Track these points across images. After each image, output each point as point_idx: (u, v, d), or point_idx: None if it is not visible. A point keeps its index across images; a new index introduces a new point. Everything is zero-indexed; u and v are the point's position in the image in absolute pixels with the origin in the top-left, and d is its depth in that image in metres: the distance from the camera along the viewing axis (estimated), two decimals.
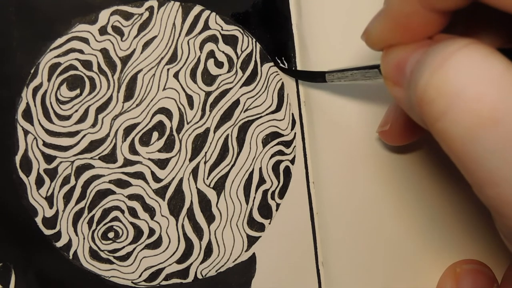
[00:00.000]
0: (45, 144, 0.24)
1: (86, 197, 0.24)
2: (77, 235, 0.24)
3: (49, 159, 0.24)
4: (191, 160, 0.24)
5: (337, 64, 0.26)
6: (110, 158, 0.24)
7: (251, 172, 0.25)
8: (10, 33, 0.24)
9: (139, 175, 0.24)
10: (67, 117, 0.24)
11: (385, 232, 0.25)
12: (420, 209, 0.25)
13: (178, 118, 0.25)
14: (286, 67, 0.25)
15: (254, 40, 0.25)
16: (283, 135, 0.25)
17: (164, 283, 0.24)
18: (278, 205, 0.25)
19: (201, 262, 0.24)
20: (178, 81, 0.25)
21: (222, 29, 0.25)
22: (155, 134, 0.24)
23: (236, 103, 0.25)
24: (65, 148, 0.24)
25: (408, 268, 0.25)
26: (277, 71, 0.25)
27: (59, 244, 0.24)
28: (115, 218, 0.24)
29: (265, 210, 0.25)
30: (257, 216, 0.25)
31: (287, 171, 0.25)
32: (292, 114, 0.25)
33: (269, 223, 0.25)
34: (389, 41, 0.18)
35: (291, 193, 0.25)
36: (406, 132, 0.23)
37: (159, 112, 0.24)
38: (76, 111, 0.24)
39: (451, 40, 0.15)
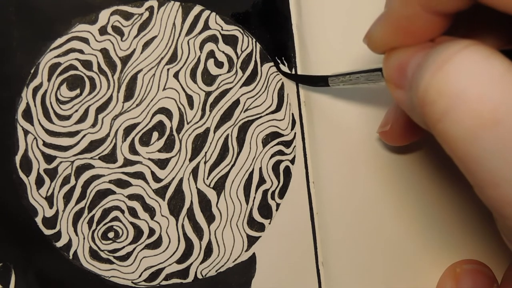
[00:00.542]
0: (45, 144, 0.24)
1: (86, 197, 0.24)
2: (77, 235, 0.24)
3: (49, 159, 0.24)
4: (191, 160, 0.24)
5: (337, 64, 0.26)
6: (110, 158, 0.24)
7: (251, 172, 0.25)
8: (10, 33, 0.24)
9: (139, 175, 0.24)
10: (67, 117, 0.24)
11: (385, 232, 0.25)
12: (420, 209, 0.25)
13: (178, 118, 0.25)
14: (286, 67, 0.25)
15: (254, 40, 0.25)
16: (283, 135, 0.25)
17: (164, 283, 0.24)
18: (278, 205, 0.25)
19: (201, 262, 0.24)
20: (178, 81, 0.25)
21: (222, 29, 0.25)
22: (155, 134, 0.24)
23: (236, 103, 0.25)
24: (65, 148, 0.24)
25: (408, 268, 0.25)
26: (277, 71, 0.25)
27: (59, 244, 0.24)
28: (115, 218, 0.24)
29: (265, 210, 0.25)
30: (257, 216, 0.25)
31: (287, 171, 0.25)
32: (292, 114, 0.25)
33: (269, 223, 0.25)
34: (390, 44, 0.18)
35: (291, 193, 0.25)
36: (406, 132, 0.23)
37: (159, 112, 0.24)
38: (76, 111, 0.24)
39: (452, 41, 0.15)
